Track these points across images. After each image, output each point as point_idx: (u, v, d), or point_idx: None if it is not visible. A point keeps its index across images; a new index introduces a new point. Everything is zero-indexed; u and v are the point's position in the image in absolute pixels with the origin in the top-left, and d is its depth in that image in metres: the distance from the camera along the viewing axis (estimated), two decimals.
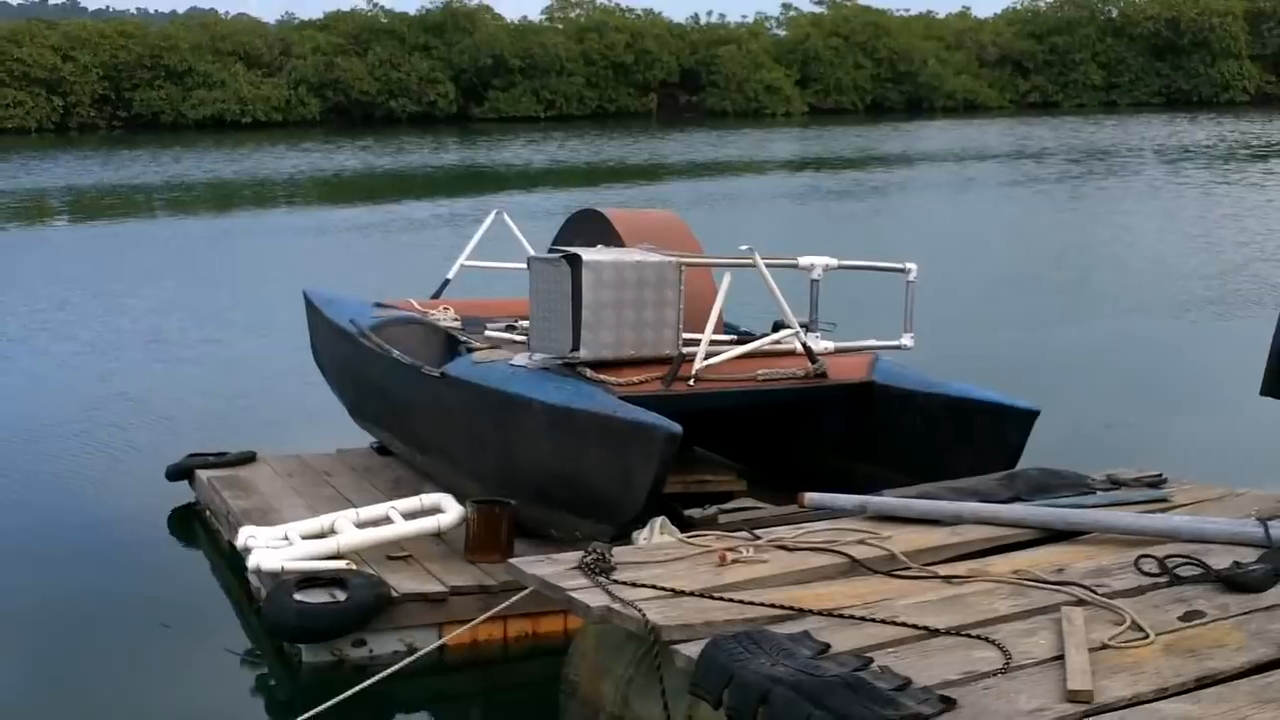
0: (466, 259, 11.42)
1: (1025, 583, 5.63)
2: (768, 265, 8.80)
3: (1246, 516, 6.42)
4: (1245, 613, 5.29)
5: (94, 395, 14.38)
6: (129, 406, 13.92)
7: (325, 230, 30.14)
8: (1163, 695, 4.53)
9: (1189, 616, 5.24)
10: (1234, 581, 5.54)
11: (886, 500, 6.87)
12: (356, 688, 6.40)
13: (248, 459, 10.65)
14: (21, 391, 14.82)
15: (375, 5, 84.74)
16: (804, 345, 8.84)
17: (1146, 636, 4.98)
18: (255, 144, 59.05)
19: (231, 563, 9.00)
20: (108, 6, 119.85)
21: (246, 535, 8.37)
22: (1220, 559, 5.80)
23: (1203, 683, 4.64)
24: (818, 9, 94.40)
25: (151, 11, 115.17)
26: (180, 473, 10.63)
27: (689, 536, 6.56)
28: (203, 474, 10.34)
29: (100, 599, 8.77)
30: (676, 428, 7.50)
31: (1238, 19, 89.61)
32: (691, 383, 8.35)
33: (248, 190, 39.97)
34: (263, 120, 73.97)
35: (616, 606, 5.38)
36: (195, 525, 10.24)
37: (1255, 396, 7.12)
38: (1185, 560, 5.78)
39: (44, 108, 70.71)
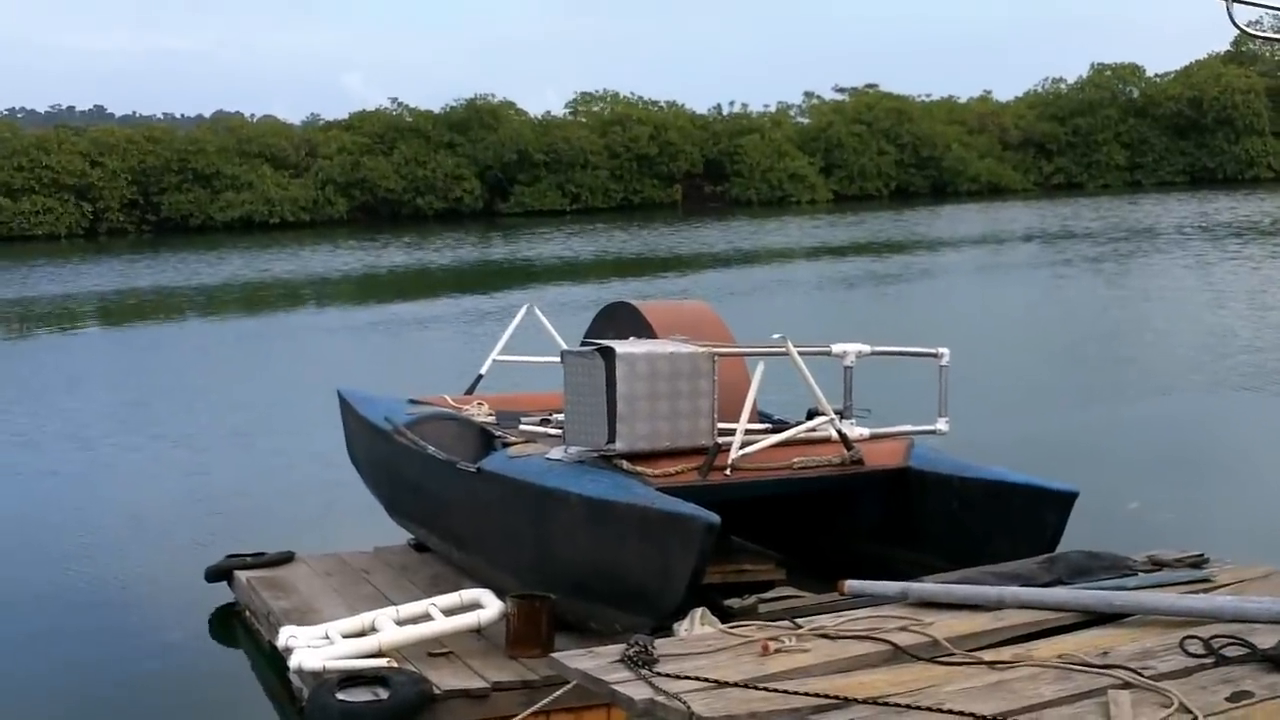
0: (499, 354, 11.49)
1: (1070, 666, 5.59)
2: (800, 353, 8.83)
3: None
4: None
5: (130, 498, 14.47)
6: (166, 508, 14.00)
7: (356, 328, 30.36)
8: None
9: (1236, 697, 5.20)
10: None
11: (928, 586, 6.84)
12: None
13: (286, 559, 10.69)
14: (57, 496, 14.90)
15: (399, 104, 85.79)
16: (839, 432, 8.85)
17: (1194, 718, 4.94)
18: (284, 244, 59.61)
19: (273, 663, 9.01)
20: (134, 112, 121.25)
21: (287, 635, 8.39)
22: (1265, 638, 5.76)
23: None
24: (840, 96, 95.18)
25: (178, 116, 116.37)
26: (219, 574, 10.66)
27: (730, 627, 6.53)
28: (242, 575, 10.37)
29: (144, 701, 8.80)
30: (715, 518, 7.51)
31: (1260, 96, 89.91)
32: (728, 472, 8.36)
33: (277, 290, 40.30)
34: (290, 220, 74.75)
35: (661, 699, 5.36)
36: (235, 626, 10.26)
37: None
38: (1230, 640, 5.74)
39: (73, 214, 71.62)
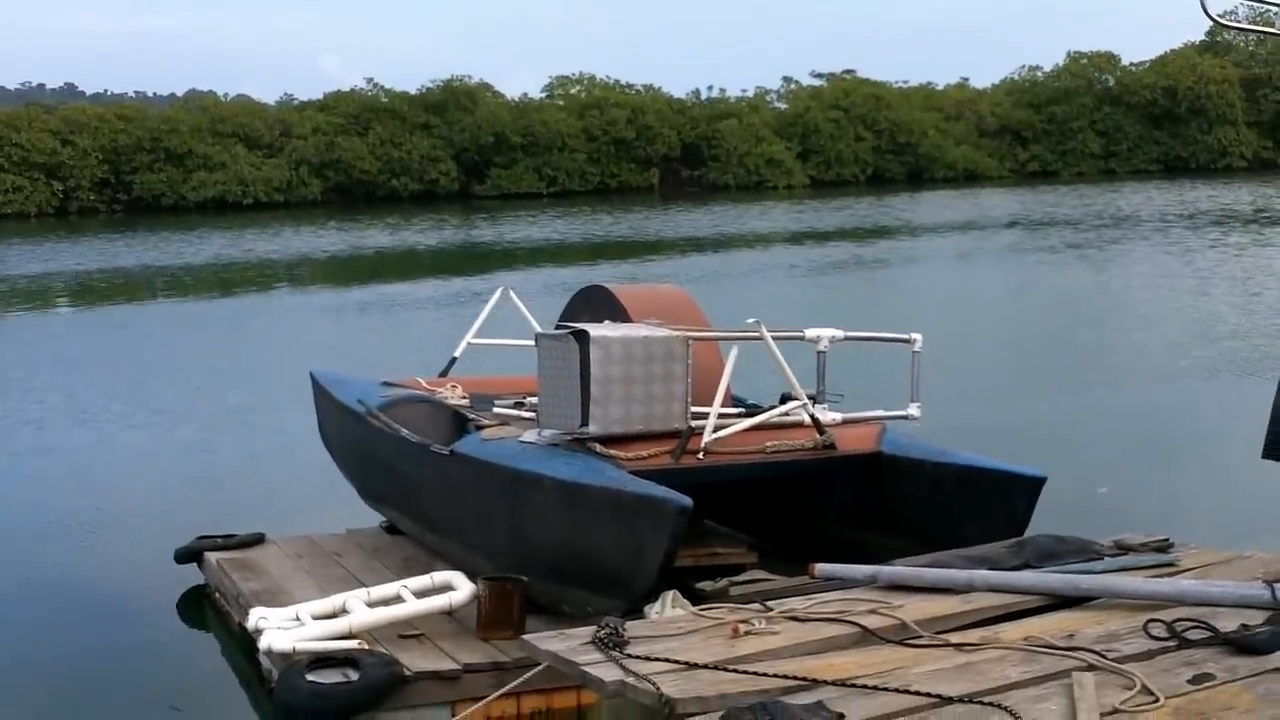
0: (473, 337, 11.50)
1: (1036, 649, 5.65)
2: (774, 338, 8.87)
3: (1253, 579, 6.43)
4: (1254, 675, 5.30)
5: (99, 480, 14.44)
6: (135, 489, 13.98)
7: (330, 310, 30.31)
8: None
9: (1198, 680, 5.26)
10: (1242, 644, 5.56)
11: (897, 569, 6.90)
12: None
13: (257, 540, 10.68)
14: (28, 477, 14.88)
15: (375, 85, 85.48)
16: (812, 417, 8.89)
17: (1157, 700, 5.00)
18: (257, 225, 59.37)
19: (242, 644, 9.01)
20: (106, 90, 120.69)
21: (257, 617, 8.39)
22: (1228, 622, 5.83)
23: None
24: (818, 82, 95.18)
25: (150, 95, 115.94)
26: (189, 555, 10.65)
27: (701, 609, 6.58)
28: (212, 556, 10.36)
29: (111, 682, 8.79)
30: (687, 501, 7.55)
31: (1233, 86, 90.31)
32: (701, 456, 8.40)
33: (251, 271, 40.18)
34: (264, 201, 74.41)
35: (631, 680, 5.40)
36: (205, 607, 10.26)
37: (1258, 460, 7.16)
38: (1193, 624, 5.80)
39: (44, 192, 71.09)
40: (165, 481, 14.26)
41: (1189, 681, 5.25)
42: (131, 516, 12.90)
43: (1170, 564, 7.07)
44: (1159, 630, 5.79)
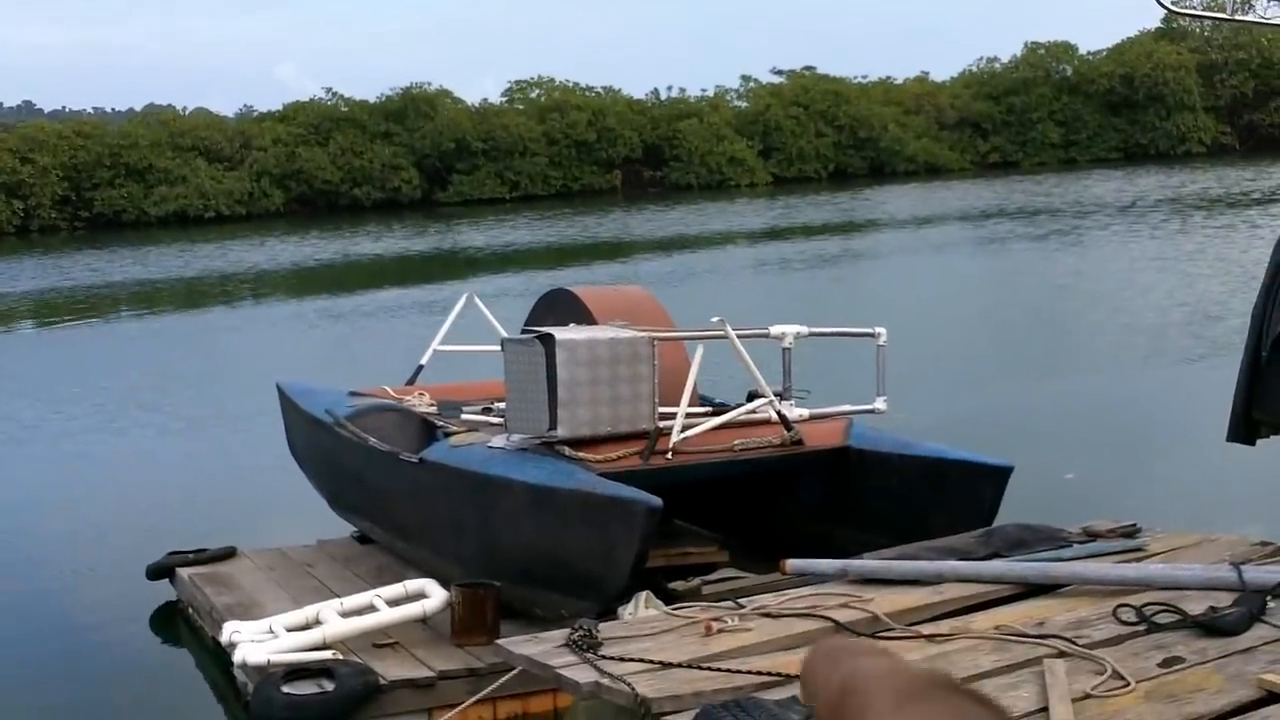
0: (439, 344, 11.48)
1: (1007, 638, 5.70)
2: (739, 336, 8.90)
3: (1220, 562, 6.50)
4: (1223, 656, 5.36)
5: (68, 496, 14.37)
6: (104, 506, 13.92)
7: (295, 322, 30.20)
8: None
9: (1168, 663, 5.32)
10: (1211, 626, 5.62)
11: (867, 563, 6.94)
12: None
13: (228, 554, 10.65)
14: None
15: (334, 94, 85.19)
16: (779, 414, 8.92)
17: (1127, 684, 5.05)
18: (220, 238, 59.11)
19: (217, 659, 8.99)
20: (64, 107, 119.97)
21: (231, 630, 8.37)
22: (1196, 604, 5.89)
23: None
24: (777, 79, 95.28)
25: (109, 110, 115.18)
26: (160, 571, 10.61)
27: (674, 608, 6.61)
28: (183, 571, 10.33)
29: (87, 701, 8.76)
30: (657, 501, 7.57)
31: (1190, 72, 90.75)
32: (669, 456, 8.42)
33: (214, 285, 40.03)
34: (226, 214, 74.02)
35: (605, 681, 5.43)
36: (178, 623, 10.23)
37: (1223, 443, 7.23)
38: (1162, 608, 5.86)
39: (3, 211, 70.49)
40: (133, 498, 14.20)
41: (1159, 665, 5.30)
42: (101, 534, 12.85)
43: (1138, 549, 7.13)
44: (1128, 615, 5.84)
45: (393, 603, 8.48)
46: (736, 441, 8.74)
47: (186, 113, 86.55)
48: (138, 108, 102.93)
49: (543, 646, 5.97)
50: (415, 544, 9.62)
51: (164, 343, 27.67)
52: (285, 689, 7.52)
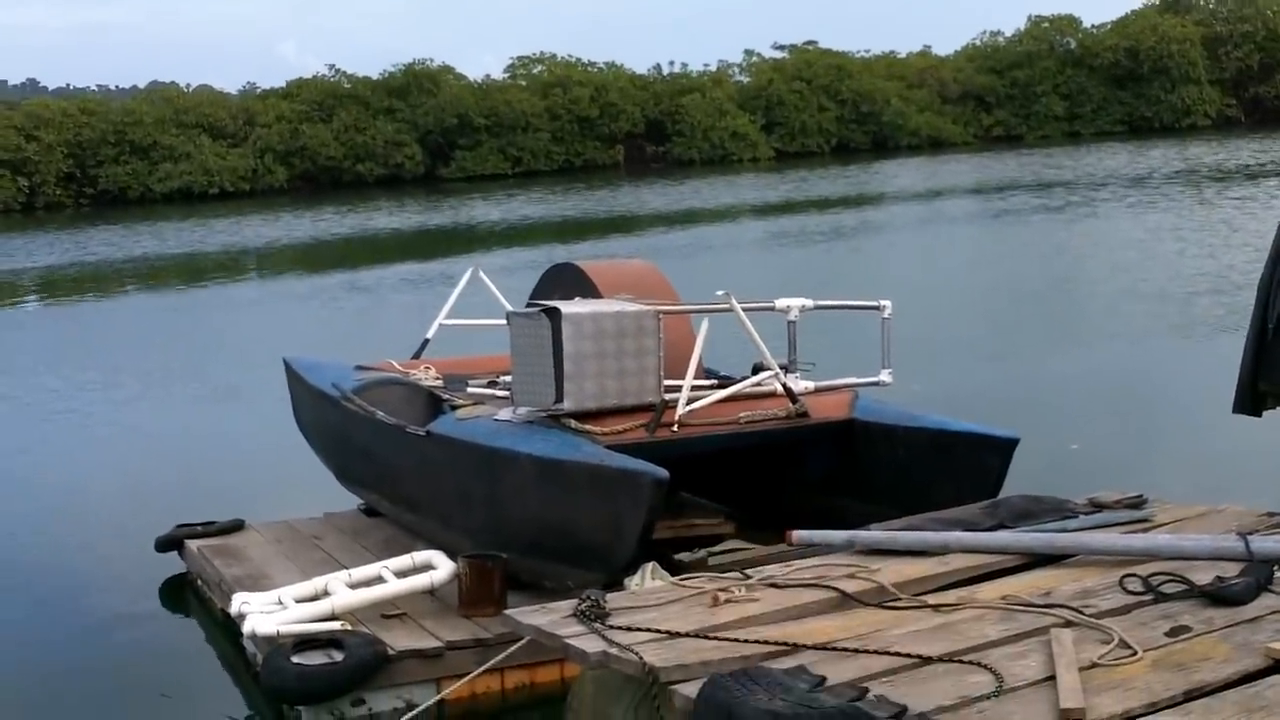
0: (445, 318, 11.50)
1: (1014, 607, 5.71)
2: (744, 309, 8.91)
3: (1227, 532, 6.51)
4: (1229, 625, 5.37)
5: (78, 472, 14.41)
6: (114, 480, 13.96)
7: (300, 297, 30.22)
8: (1153, 710, 4.61)
9: (1175, 632, 5.33)
10: (1217, 596, 5.63)
11: (874, 534, 6.95)
12: None
13: (236, 527, 10.70)
14: (3, 471, 14.81)
15: (337, 71, 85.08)
16: (784, 386, 8.93)
17: (1135, 653, 5.06)
18: (224, 214, 59.07)
19: (226, 630, 9.04)
20: (68, 84, 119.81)
21: (240, 602, 8.41)
22: (1203, 575, 5.90)
23: (1191, 695, 4.71)
24: (780, 54, 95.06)
25: (113, 88, 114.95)
26: (169, 544, 10.66)
27: (681, 579, 6.62)
28: (192, 544, 10.38)
29: (97, 673, 8.80)
30: (663, 473, 7.59)
31: (1195, 45, 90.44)
32: (675, 429, 8.44)
33: (220, 261, 40.03)
34: (230, 191, 74.06)
35: (614, 651, 5.44)
36: (187, 595, 10.28)
37: (1229, 414, 7.24)
38: (1169, 578, 5.87)
39: (9, 189, 70.59)
40: (142, 471, 14.23)
41: (1166, 634, 5.32)
42: (110, 507, 12.89)
43: (1145, 520, 7.14)
44: (1135, 585, 5.86)
45: (400, 574, 8.51)
46: (742, 414, 8.76)
47: (190, 90, 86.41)
48: (141, 85, 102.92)
49: (550, 617, 5.98)
50: (422, 516, 9.66)
51: (170, 318, 27.71)
52: (294, 659, 7.56)
